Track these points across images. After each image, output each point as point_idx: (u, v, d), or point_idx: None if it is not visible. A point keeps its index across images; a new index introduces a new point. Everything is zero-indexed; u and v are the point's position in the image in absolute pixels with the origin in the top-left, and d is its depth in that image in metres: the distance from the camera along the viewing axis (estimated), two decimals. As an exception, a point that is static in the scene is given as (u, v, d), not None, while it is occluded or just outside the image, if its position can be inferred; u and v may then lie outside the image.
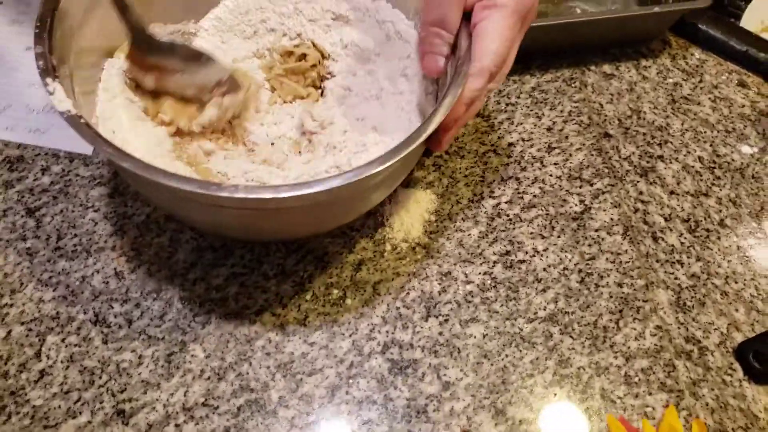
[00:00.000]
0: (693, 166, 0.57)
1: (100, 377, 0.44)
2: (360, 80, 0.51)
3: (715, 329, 0.49)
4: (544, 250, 0.52)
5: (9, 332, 0.46)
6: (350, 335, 0.47)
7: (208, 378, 0.45)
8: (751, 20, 0.80)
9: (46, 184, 0.52)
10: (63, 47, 0.42)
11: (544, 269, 0.51)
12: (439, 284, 0.49)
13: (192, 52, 0.48)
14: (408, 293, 0.49)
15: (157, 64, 0.47)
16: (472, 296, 0.49)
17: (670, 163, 0.57)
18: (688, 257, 0.52)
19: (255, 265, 0.49)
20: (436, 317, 0.48)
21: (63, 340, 0.45)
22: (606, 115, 0.60)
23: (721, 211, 0.55)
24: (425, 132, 0.38)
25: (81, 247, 0.50)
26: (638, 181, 0.56)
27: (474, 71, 0.41)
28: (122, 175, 0.49)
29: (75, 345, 0.45)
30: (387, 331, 0.47)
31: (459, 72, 0.41)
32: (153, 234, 0.50)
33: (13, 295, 0.47)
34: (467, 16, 0.43)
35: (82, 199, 0.52)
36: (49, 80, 0.39)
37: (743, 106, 0.62)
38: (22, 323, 0.46)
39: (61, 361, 0.45)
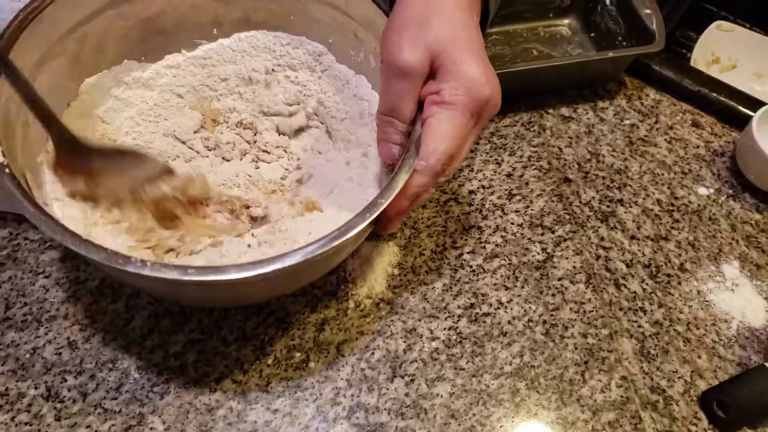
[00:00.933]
0: (652, 210, 0.58)
1: (53, 458, 0.42)
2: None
3: (679, 377, 0.49)
4: (508, 302, 0.52)
5: (-46, 413, 0.43)
6: (314, 400, 0.46)
7: (168, 453, 0.43)
8: (701, 53, 0.82)
9: (-7, 250, 0.50)
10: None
11: (509, 322, 0.51)
12: (404, 342, 0.49)
13: (121, 150, 0.47)
14: (373, 353, 0.48)
15: (85, 168, 0.45)
16: (438, 353, 0.48)
17: (630, 207, 0.58)
18: (650, 304, 0.53)
19: (214, 329, 0.48)
20: (402, 377, 0.47)
21: (12, 419, 0.43)
22: (565, 159, 0.61)
23: (680, 255, 0.56)
24: (360, 223, 0.38)
25: (31, 317, 0.48)
26: (599, 227, 0.56)
27: (419, 168, 0.40)
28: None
29: (25, 423, 0.43)
30: (352, 395, 0.46)
31: (403, 164, 0.40)
32: (108, 300, 0.49)
33: (-42, 373, 0.45)
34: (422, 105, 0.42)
35: (32, 265, 0.50)
36: None
37: (698, 146, 0.63)
38: (-31, 403, 0.44)
39: (11, 443, 0.43)
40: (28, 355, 0.46)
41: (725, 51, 0.83)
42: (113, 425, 0.44)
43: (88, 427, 0.43)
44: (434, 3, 0.40)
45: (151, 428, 0.44)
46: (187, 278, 0.35)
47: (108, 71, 0.51)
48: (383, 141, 0.44)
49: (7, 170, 0.37)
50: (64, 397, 0.45)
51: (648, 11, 0.62)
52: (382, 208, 0.38)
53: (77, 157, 0.44)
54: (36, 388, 0.45)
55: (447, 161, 0.40)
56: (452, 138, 0.40)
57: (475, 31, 0.41)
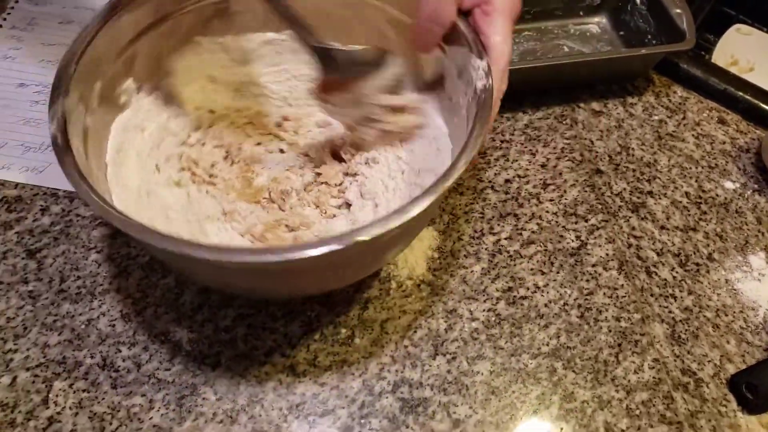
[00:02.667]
0: (681, 202, 0.60)
1: (111, 423, 0.44)
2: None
3: (709, 361, 0.51)
4: (545, 286, 0.53)
5: (14, 379, 0.45)
6: (360, 375, 0.47)
7: (221, 421, 0.44)
8: (721, 55, 0.85)
9: (46, 225, 0.52)
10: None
11: (546, 305, 0.52)
12: (445, 322, 0.50)
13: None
14: (415, 331, 0.50)
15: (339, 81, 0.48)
16: (478, 333, 0.50)
17: (660, 198, 0.60)
18: (680, 291, 0.54)
19: (261, 305, 0.50)
20: (444, 355, 0.49)
21: (71, 386, 0.45)
22: (597, 152, 0.62)
23: (708, 245, 0.57)
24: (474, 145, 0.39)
25: (85, 290, 0.49)
26: (630, 217, 0.58)
27: (499, 73, 0.44)
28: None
29: (83, 390, 0.45)
30: (396, 370, 0.48)
31: (479, 49, 0.44)
32: (158, 275, 0.50)
33: (17, 341, 0.46)
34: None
35: (84, 240, 0.51)
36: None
37: (724, 142, 0.65)
38: (28, 369, 0.45)
39: (70, 408, 0.44)
40: (83, 326, 0.47)
41: (743, 54, 0.85)
42: (167, 394, 0.45)
43: (143, 395, 0.45)
44: None
45: (204, 398, 0.45)
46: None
47: None
48: (421, 42, 0.47)
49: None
50: (119, 366, 0.46)
51: (678, 11, 0.64)
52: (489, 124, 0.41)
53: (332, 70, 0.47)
54: (92, 357, 0.46)
55: (509, 61, 0.45)
56: (509, 40, 0.45)
57: None
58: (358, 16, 0.52)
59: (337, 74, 0.48)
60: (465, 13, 0.46)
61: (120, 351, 0.47)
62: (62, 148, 0.37)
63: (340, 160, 0.54)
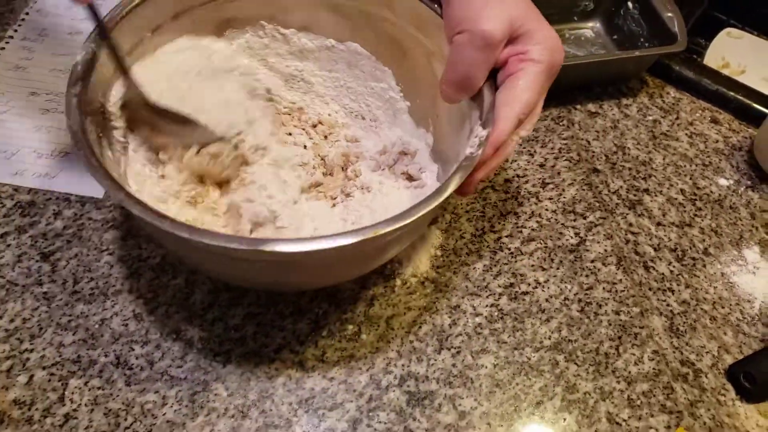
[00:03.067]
0: (676, 198, 0.61)
1: (126, 419, 0.45)
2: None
3: (707, 352, 0.52)
4: (545, 282, 0.55)
5: (31, 377, 0.46)
6: (367, 369, 0.48)
7: (233, 416, 0.46)
8: (712, 58, 0.86)
9: (59, 229, 0.53)
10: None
11: (547, 300, 0.54)
12: (449, 317, 0.52)
13: (180, 117, 0.49)
14: (420, 327, 0.51)
15: (149, 120, 0.48)
16: (481, 328, 0.51)
17: (655, 195, 0.61)
18: (677, 285, 0.56)
19: (270, 304, 0.51)
20: (449, 349, 0.50)
21: (86, 384, 0.46)
22: (593, 152, 0.64)
23: (704, 240, 0.59)
24: (466, 172, 0.40)
25: (98, 291, 0.50)
26: (627, 214, 0.60)
27: (503, 115, 0.43)
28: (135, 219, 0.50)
29: (98, 388, 0.46)
30: (402, 365, 0.49)
31: (486, 119, 0.43)
32: (169, 276, 0.51)
33: (32, 341, 0.47)
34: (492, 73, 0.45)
35: (96, 243, 0.53)
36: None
37: (717, 141, 0.66)
38: (44, 368, 0.46)
39: (86, 405, 0.45)
40: (97, 326, 0.49)
41: (735, 57, 0.87)
42: (180, 390, 0.46)
43: (156, 392, 0.46)
44: None
45: (216, 394, 0.46)
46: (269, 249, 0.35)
47: None
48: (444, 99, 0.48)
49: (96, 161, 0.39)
50: (133, 364, 0.47)
51: (669, 14, 0.66)
52: (474, 164, 0.41)
53: (144, 110, 0.48)
54: (106, 356, 0.47)
55: (529, 110, 0.44)
56: (535, 91, 0.44)
57: (536, 6, 0.46)
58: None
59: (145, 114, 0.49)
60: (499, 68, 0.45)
61: (133, 349, 0.48)
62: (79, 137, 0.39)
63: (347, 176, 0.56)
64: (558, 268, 0.55)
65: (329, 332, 0.50)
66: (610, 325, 0.53)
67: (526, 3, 0.44)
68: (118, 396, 0.46)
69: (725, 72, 0.89)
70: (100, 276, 0.51)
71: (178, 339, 0.49)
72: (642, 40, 0.69)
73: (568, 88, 0.67)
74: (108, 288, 0.50)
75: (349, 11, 0.54)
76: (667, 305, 0.55)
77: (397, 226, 0.37)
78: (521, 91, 0.43)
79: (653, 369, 0.51)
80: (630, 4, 0.71)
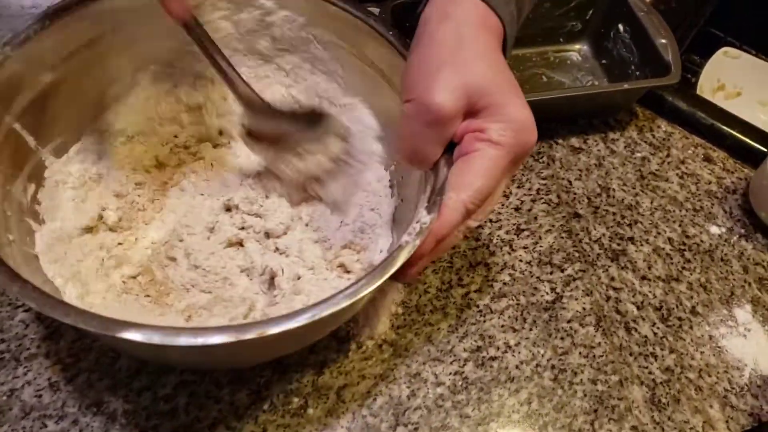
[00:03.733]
0: (663, 249, 0.56)
1: None
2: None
3: (691, 428, 0.47)
4: (516, 345, 0.49)
5: (-77, 462, 0.40)
6: (313, 450, 0.43)
7: None
8: (707, 79, 0.81)
9: (-30, 279, 0.47)
10: None
11: (517, 366, 0.48)
12: (408, 387, 0.46)
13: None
14: (375, 399, 0.46)
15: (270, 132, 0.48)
16: (443, 400, 0.46)
17: (641, 245, 0.56)
18: (661, 349, 0.51)
19: (206, 371, 0.45)
20: (405, 426, 0.45)
21: (-13, 469, 0.40)
22: (575, 193, 0.59)
23: (692, 297, 0.54)
24: (392, 268, 0.35)
25: (9, 354, 0.44)
26: (609, 266, 0.54)
27: (450, 204, 0.37)
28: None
29: (1, 474, 0.40)
30: (352, 445, 0.44)
31: (433, 203, 0.37)
32: (92, 337, 0.46)
33: (-72, 416, 0.42)
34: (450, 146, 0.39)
35: (10, 298, 0.47)
36: None
37: (710, 182, 0.61)
38: (-61, 450, 0.41)
39: (-15, 496, 0.40)
40: (5, 398, 0.43)
41: (731, 78, 0.82)
42: (97, 476, 0.41)
43: (69, 478, 0.41)
44: (468, 42, 0.37)
45: (138, 480, 0.41)
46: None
47: None
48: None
49: None
50: (44, 444, 0.42)
51: (663, 41, 0.60)
52: (407, 255, 0.35)
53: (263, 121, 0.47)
54: (13, 434, 0.42)
55: (480, 200, 0.37)
56: (491, 177, 0.37)
57: (510, 72, 0.38)
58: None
59: (265, 126, 0.46)
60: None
61: (46, 426, 0.42)
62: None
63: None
64: (531, 329, 0.50)
65: (271, 405, 0.45)
66: (585, 396, 0.48)
67: (492, 67, 0.38)
68: (24, 484, 0.40)
69: (720, 94, 0.85)
70: (13, 337, 0.45)
71: (99, 413, 0.43)
72: (633, 67, 0.63)
73: (550, 121, 0.62)
74: (21, 351, 0.45)
75: None
76: (649, 373, 0.50)
77: (278, 330, 0.32)
78: (473, 178, 0.37)
79: (631, 449, 0.46)
80: (621, 26, 0.65)
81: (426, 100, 0.36)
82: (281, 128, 0.47)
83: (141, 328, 0.31)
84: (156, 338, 0.31)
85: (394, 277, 0.36)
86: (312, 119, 0.47)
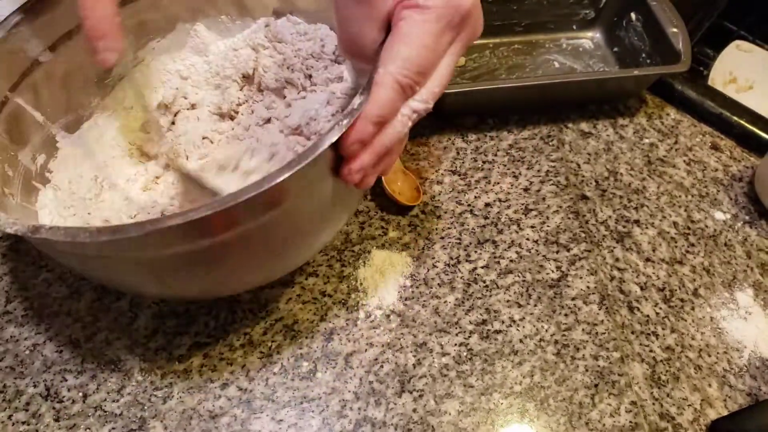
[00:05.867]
0: (668, 232, 0.57)
1: (50, 460, 0.41)
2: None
3: (689, 405, 0.49)
4: (521, 320, 0.51)
5: (-51, 409, 0.42)
6: (320, 412, 0.45)
7: (169, 461, 0.42)
8: (719, 72, 0.82)
9: (-5, 239, 0.49)
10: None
11: (521, 340, 0.50)
12: (414, 356, 0.48)
13: None
14: (382, 366, 0.47)
15: None
16: (448, 369, 0.48)
17: (646, 228, 0.57)
18: (663, 329, 0.52)
19: (220, 334, 0.47)
20: (411, 392, 0.46)
21: (9, 417, 0.42)
22: (583, 176, 0.60)
23: (695, 280, 0.55)
24: (320, 147, 0.33)
25: (32, 312, 0.46)
26: (614, 247, 0.55)
27: (378, 79, 0.34)
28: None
29: (23, 423, 0.42)
30: (359, 408, 0.45)
31: (365, 87, 0.34)
32: (112, 297, 0.47)
33: (-45, 366, 0.44)
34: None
35: (34, 257, 0.48)
36: None
37: (716, 170, 0.62)
38: (-35, 398, 0.43)
39: (7, 442, 0.41)
40: (27, 352, 0.45)
41: (743, 72, 0.82)
42: (113, 428, 0.42)
43: (87, 429, 0.42)
44: None
45: (153, 433, 0.43)
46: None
47: None
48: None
49: None
50: (64, 397, 0.43)
51: (674, 30, 0.61)
52: (335, 136, 0.33)
53: None
54: (35, 386, 0.43)
55: (416, 73, 0.34)
56: (424, 47, 0.34)
57: None
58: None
59: None
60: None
61: (66, 380, 0.44)
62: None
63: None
64: (535, 305, 0.51)
65: (282, 369, 0.46)
66: (587, 371, 0.49)
67: None
68: (44, 433, 0.42)
69: (732, 87, 0.85)
70: (36, 295, 0.47)
71: (116, 369, 0.45)
72: (644, 55, 0.64)
73: (560, 105, 0.63)
74: (43, 309, 0.46)
75: None
76: (650, 351, 0.51)
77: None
78: (401, 46, 0.34)
79: (630, 422, 0.47)
80: (633, 15, 0.66)
81: None
82: None
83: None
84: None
85: (337, 173, 0.35)
86: None
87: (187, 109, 0.53)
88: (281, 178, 0.32)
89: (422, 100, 0.36)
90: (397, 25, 0.34)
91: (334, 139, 0.33)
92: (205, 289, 0.42)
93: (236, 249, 0.36)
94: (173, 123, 0.53)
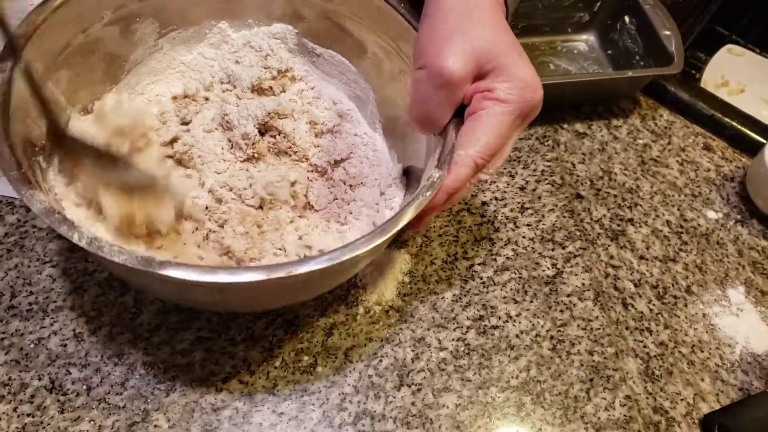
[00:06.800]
0: (661, 231, 0.58)
1: (55, 451, 0.42)
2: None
3: (682, 399, 0.50)
4: (517, 316, 0.52)
5: (-44, 401, 0.43)
6: (321, 405, 0.46)
7: (172, 452, 0.43)
8: (711, 75, 0.83)
9: None
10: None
11: (517, 335, 0.51)
12: (412, 351, 0.49)
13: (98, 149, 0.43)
14: (381, 360, 0.48)
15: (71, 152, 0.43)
16: (446, 364, 0.48)
17: (640, 226, 0.58)
18: (656, 325, 0.53)
19: (222, 329, 0.48)
20: (409, 386, 0.47)
21: (15, 410, 0.43)
22: (578, 176, 0.61)
23: (687, 277, 0.56)
24: (405, 218, 0.37)
25: (37, 306, 0.47)
26: (609, 245, 0.57)
27: (459, 160, 0.39)
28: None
29: (28, 414, 0.43)
30: (359, 401, 0.46)
31: (443, 159, 0.40)
32: (116, 293, 0.48)
33: (-40, 360, 0.44)
34: (460, 109, 0.42)
35: (39, 253, 0.49)
36: None
37: (708, 170, 0.63)
38: (-29, 391, 0.43)
39: (13, 434, 0.42)
40: (32, 345, 0.45)
41: (734, 75, 0.84)
42: (117, 420, 0.43)
43: (91, 421, 0.43)
44: (474, 11, 0.40)
45: (156, 425, 0.43)
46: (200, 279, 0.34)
47: None
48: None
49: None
50: (68, 389, 0.44)
51: (667, 32, 0.62)
52: (419, 207, 0.37)
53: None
54: (39, 379, 0.44)
55: (489, 155, 0.40)
56: (499, 134, 0.39)
57: (513, 36, 0.41)
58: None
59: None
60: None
61: (70, 373, 0.45)
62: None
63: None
64: (531, 302, 0.52)
65: (283, 363, 0.47)
66: (582, 365, 0.50)
67: (498, 32, 0.40)
68: (49, 425, 0.42)
69: (724, 91, 0.86)
70: (41, 290, 0.48)
71: (119, 363, 0.45)
72: (637, 58, 0.65)
73: (555, 106, 0.64)
74: (48, 304, 0.47)
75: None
76: (644, 346, 0.52)
77: (308, 269, 0.34)
78: (481, 134, 0.39)
79: (624, 416, 0.48)
80: (627, 18, 0.67)
81: (437, 64, 0.39)
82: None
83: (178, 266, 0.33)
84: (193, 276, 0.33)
85: (408, 227, 0.38)
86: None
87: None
88: (361, 251, 0.35)
89: (488, 174, 0.42)
90: (479, 114, 0.40)
91: (419, 210, 0.38)
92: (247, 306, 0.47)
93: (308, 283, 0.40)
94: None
